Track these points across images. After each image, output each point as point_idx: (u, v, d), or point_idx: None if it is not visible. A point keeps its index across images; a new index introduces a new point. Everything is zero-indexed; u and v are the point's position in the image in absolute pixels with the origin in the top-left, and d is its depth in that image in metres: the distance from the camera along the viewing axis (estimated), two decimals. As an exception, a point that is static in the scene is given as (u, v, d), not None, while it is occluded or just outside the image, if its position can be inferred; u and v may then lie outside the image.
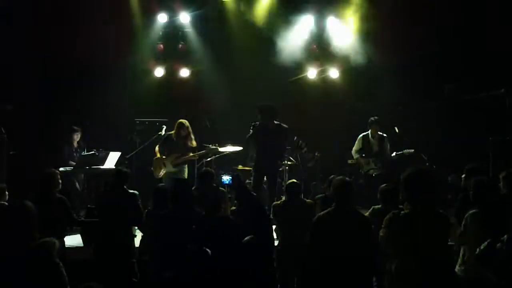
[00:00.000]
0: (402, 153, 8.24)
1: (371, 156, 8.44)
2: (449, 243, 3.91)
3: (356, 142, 8.67)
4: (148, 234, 5.39)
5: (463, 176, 5.59)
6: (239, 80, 9.98)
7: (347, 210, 4.39)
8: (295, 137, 8.11)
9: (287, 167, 8.57)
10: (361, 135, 8.62)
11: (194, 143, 7.96)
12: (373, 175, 8.41)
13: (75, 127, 8.72)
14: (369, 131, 8.54)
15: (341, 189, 4.40)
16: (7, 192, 5.49)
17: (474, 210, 4.19)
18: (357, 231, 4.28)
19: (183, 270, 4.20)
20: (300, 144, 8.02)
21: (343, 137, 10.31)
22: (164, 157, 7.94)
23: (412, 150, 8.16)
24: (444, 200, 6.85)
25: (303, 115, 10.47)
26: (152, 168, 8.08)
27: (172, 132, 8.02)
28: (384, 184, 5.34)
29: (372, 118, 8.48)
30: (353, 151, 8.67)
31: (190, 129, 7.91)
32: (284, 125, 7.61)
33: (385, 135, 8.51)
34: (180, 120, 7.94)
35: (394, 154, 8.33)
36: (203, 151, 8.06)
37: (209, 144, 8.31)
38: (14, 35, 8.60)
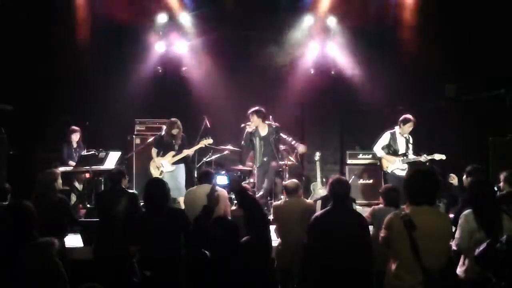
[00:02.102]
0: (433, 157, 7.69)
1: (398, 155, 7.89)
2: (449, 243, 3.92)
3: (382, 138, 8.05)
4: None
5: (464, 177, 5.59)
6: (239, 80, 9.97)
7: (344, 210, 4.39)
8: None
9: (287, 167, 8.56)
10: (388, 132, 8.02)
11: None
12: (398, 175, 7.78)
13: (75, 127, 8.73)
14: (397, 129, 7.97)
15: (338, 188, 4.40)
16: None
17: (470, 210, 4.18)
18: (354, 231, 4.28)
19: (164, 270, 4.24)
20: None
21: (342, 137, 10.32)
22: (160, 157, 8.07)
23: (444, 156, 7.64)
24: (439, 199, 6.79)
25: (303, 114, 10.48)
26: (150, 170, 8.13)
27: (164, 132, 8.18)
28: (386, 184, 5.33)
29: (407, 116, 7.91)
30: (376, 148, 8.04)
31: (181, 127, 8.13)
32: (275, 124, 8.02)
33: (410, 136, 8.02)
34: (172, 119, 8.15)
35: (423, 157, 7.73)
36: (197, 145, 8.14)
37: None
38: (14, 35, 8.60)
